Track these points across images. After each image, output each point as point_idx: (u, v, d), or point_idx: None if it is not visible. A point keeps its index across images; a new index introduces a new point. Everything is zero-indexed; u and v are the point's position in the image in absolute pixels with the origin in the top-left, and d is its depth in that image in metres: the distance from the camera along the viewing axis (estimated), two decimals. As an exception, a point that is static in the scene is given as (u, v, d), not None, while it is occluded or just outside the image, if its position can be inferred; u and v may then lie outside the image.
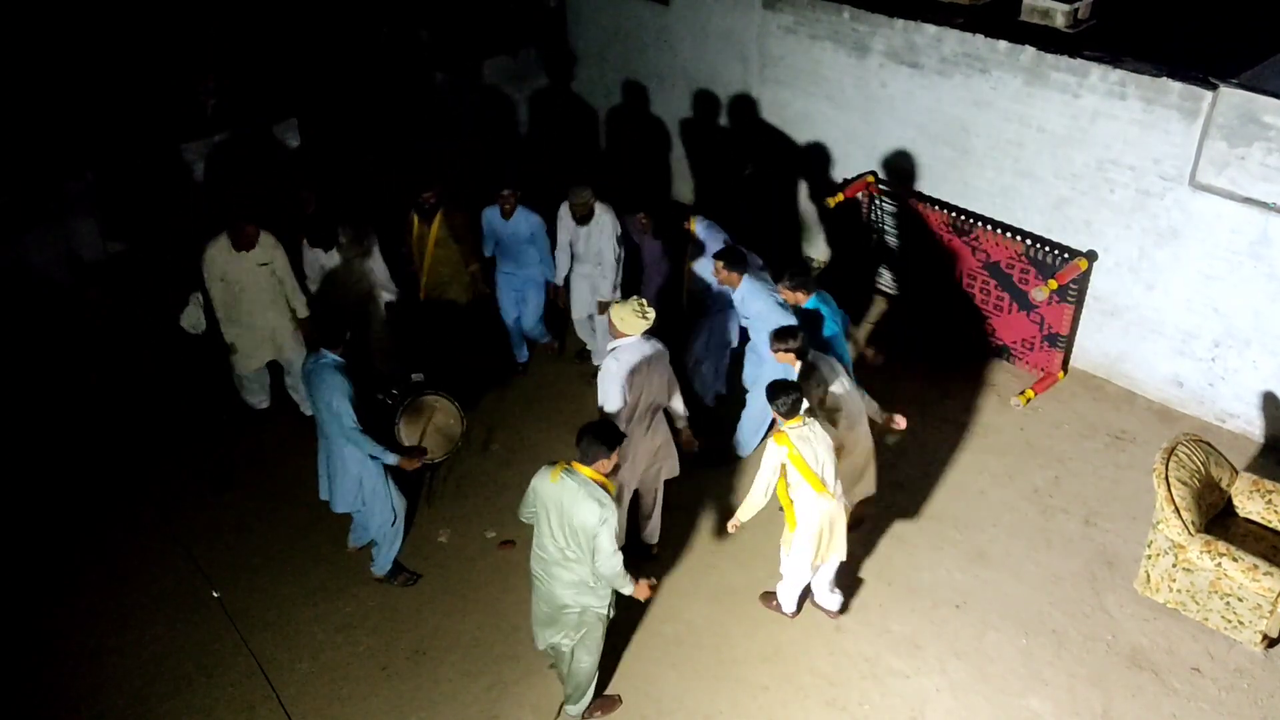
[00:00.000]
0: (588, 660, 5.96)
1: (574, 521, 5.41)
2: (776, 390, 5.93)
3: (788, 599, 6.68)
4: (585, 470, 5.43)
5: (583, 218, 8.09)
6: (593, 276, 8.35)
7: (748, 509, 6.19)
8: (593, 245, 8.19)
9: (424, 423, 7.00)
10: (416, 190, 8.18)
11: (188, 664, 6.60)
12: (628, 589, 5.63)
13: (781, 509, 6.29)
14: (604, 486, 5.44)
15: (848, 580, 6.97)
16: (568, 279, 8.50)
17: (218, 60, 9.72)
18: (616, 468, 5.71)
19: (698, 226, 7.94)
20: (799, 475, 5.98)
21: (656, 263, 8.27)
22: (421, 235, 8.31)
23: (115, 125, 9.10)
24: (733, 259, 7.23)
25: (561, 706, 6.21)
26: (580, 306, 8.62)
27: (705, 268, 7.71)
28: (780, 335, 6.52)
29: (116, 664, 6.60)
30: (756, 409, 7.63)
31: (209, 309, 7.73)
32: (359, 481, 6.70)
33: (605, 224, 8.12)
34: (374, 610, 6.92)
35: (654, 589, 5.86)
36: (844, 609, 6.76)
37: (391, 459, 6.60)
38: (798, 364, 6.52)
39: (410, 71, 10.56)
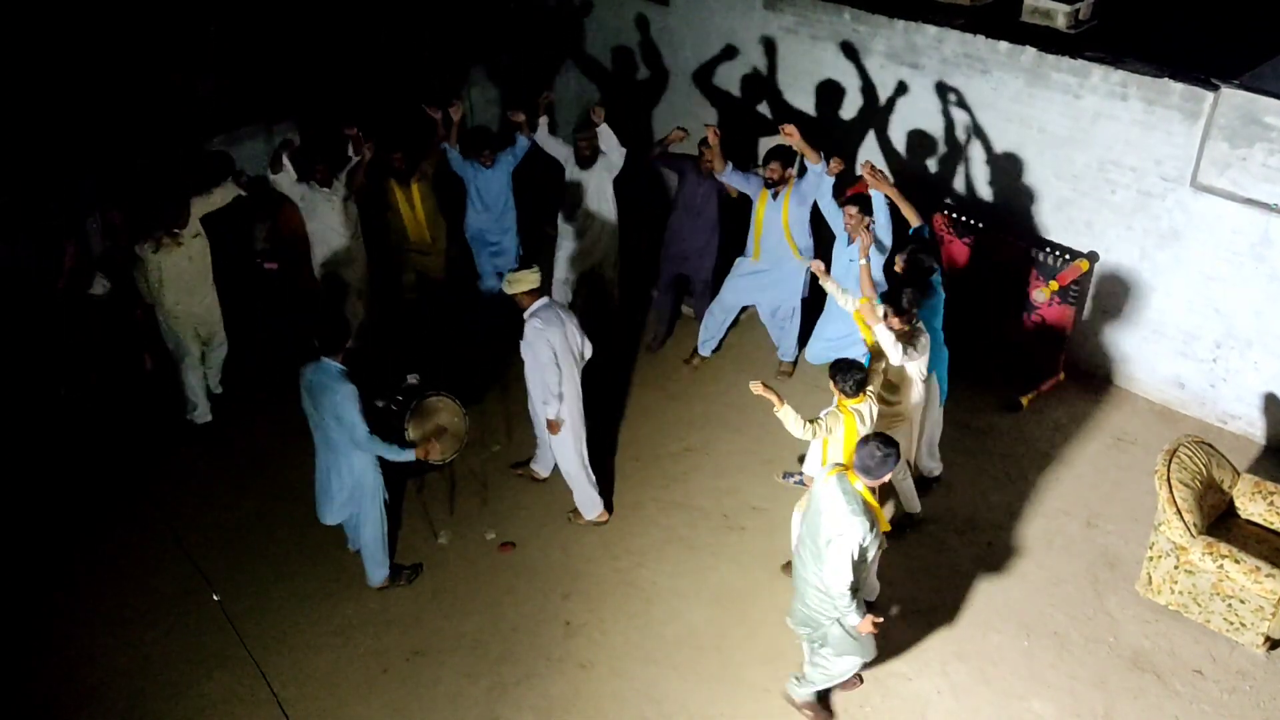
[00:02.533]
0: (821, 666, 5.88)
1: (819, 523, 5.33)
2: (844, 370, 5.91)
3: None
4: (854, 479, 5.27)
5: (588, 159, 8.18)
6: (590, 230, 8.49)
7: (790, 419, 5.91)
8: (597, 189, 8.32)
9: (432, 425, 6.95)
10: (385, 155, 8.35)
11: (186, 666, 6.58)
12: (851, 617, 5.44)
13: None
14: (868, 505, 5.23)
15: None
16: (558, 236, 8.72)
17: (218, 60, 9.70)
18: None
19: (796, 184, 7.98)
20: (839, 450, 6.02)
21: (693, 218, 8.45)
22: (406, 200, 8.56)
23: (115, 125, 9.08)
24: (866, 204, 7.29)
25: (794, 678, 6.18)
26: (568, 268, 8.79)
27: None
28: (897, 302, 6.33)
29: (115, 665, 6.59)
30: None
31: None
32: (357, 487, 6.62)
33: (613, 163, 8.32)
34: (373, 612, 6.91)
35: (877, 627, 5.57)
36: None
37: (409, 455, 6.54)
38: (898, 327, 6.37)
39: (410, 72, 10.53)
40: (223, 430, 8.29)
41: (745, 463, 7.85)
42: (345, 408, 6.22)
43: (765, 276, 8.25)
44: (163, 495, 7.76)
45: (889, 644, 6.55)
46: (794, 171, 7.97)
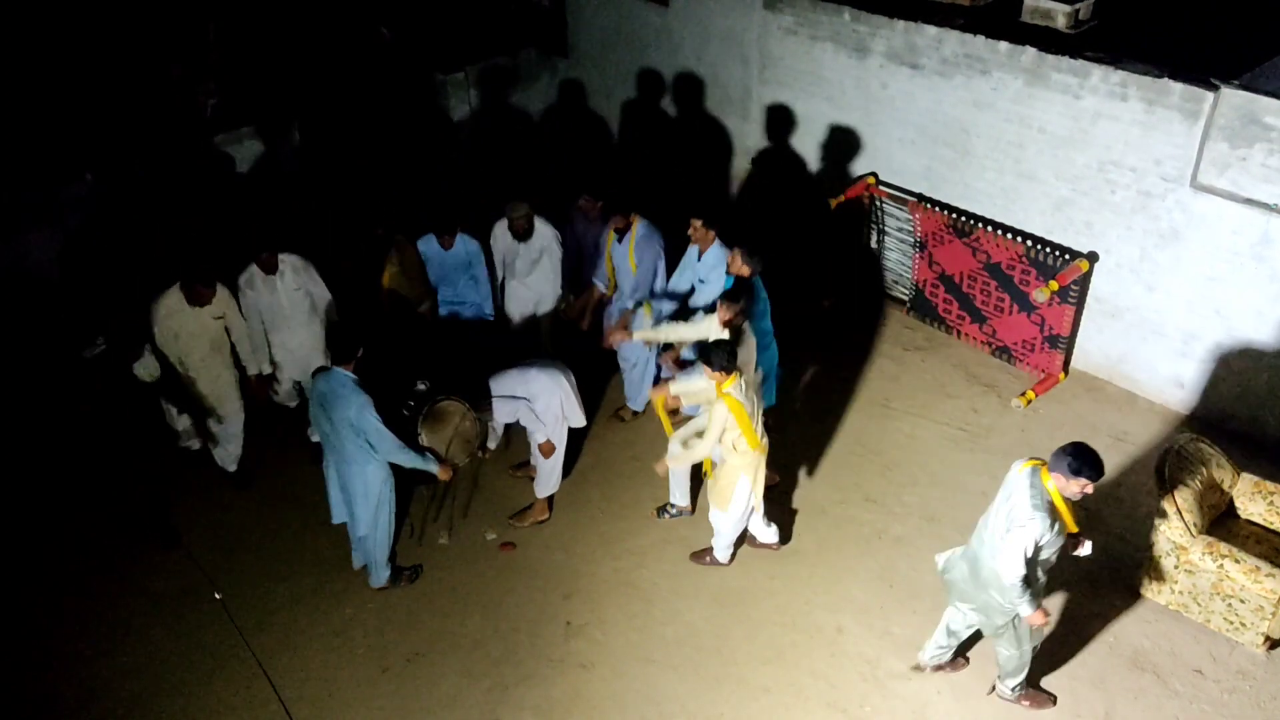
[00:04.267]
0: (1008, 651, 5.90)
1: (1012, 512, 5.36)
2: (713, 348, 6.21)
3: (724, 551, 7.06)
4: (1046, 478, 5.31)
5: (523, 233, 8.04)
6: (532, 286, 8.31)
7: (687, 458, 6.55)
8: (532, 261, 8.18)
9: (445, 429, 6.94)
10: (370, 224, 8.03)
11: (188, 665, 6.59)
12: (1024, 607, 5.46)
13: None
14: (1053, 503, 5.28)
15: (846, 580, 6.98)
16: (503, 290, 8.42)
17: (218, 62, 9.70)
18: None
19: (639, 227, 7.79)
20: (739, 430, 6.30)
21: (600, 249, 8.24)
22: (396, 263, 8.07)
23: (116, 127, 9.06)
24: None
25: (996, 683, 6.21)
26: (518, 308, 8.52)
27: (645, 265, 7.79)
28: (733, 297, 6.69)
29: (117, 665, 6.59)
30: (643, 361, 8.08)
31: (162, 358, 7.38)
32: (378, 502, 6.66)
33: (545, 236, 8.11)
34: (374, 612, 6.91)
35: (1046, 618, 5.69)
36: (785, 540, 7.25)
37: (434, 467, 6.59)
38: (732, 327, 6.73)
39: (406, 74, 10.53)
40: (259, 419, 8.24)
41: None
42: (363, 418, 6.22)
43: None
44: (163, 496, 7.76)
45: (890, 644, 6.58)
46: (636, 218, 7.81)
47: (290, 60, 10.01)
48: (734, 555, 7.14)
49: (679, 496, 7.45)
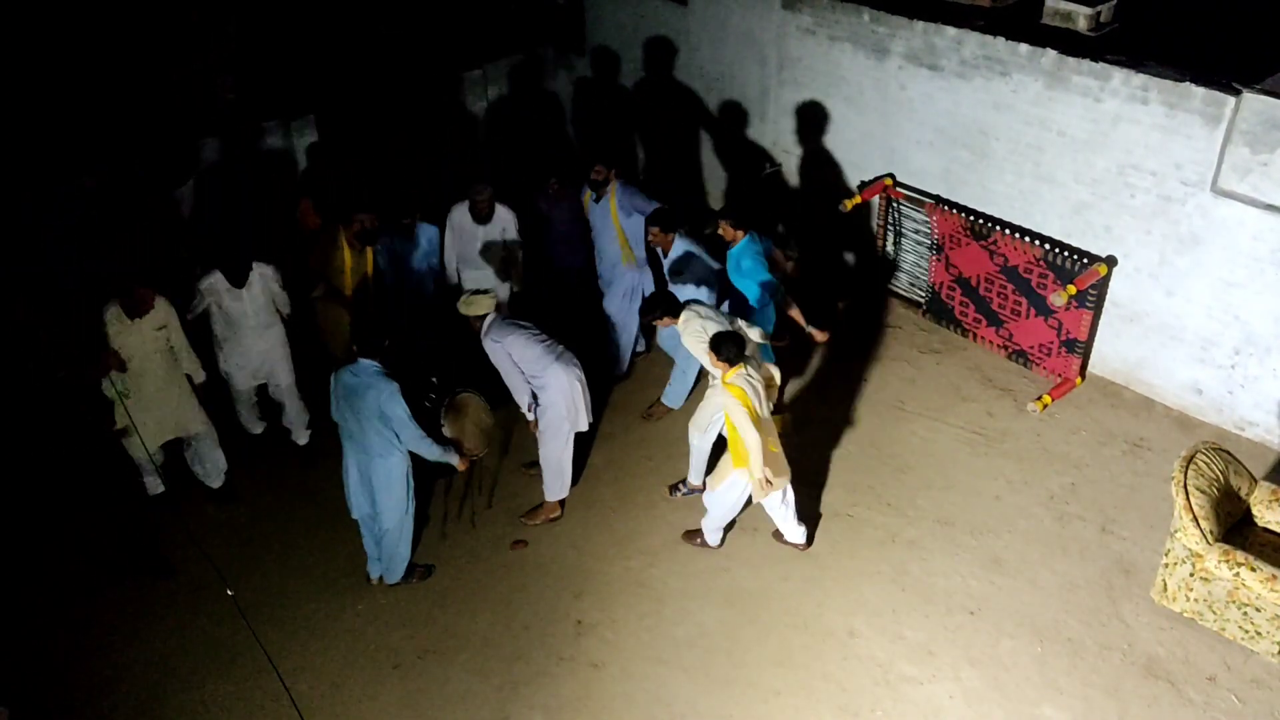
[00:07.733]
0: None
1: None
2: (720, 341, 6.28)
3: (714, 534, 7.17)
4: None
5: (484, 216, 8.15)
6: (485, 275, 8.39)
7: (756, 461, 6.34)
8: (493, 246, 8.27)
9: (464, 422, 6.96)
10: (349, 211, 7.75)
11: (200, 659, 6.63)
12: None
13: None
14: None
15: (859, 583, 6.96)
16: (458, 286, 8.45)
17: (237, 57, 9.71)
18: None
19: (619, 190, 8.13)
20: (747, 420, 6.26)
21: (567, 230, 8.48)
22: (356, 266, 7.82)
23: (129, 123, 9.02)
24: (669, 221, 7.71)
25: None
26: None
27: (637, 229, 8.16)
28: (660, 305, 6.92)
29: (130, 658, 6.63)
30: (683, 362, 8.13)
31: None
32: (401, 494, 6.67)
33: (507, 221, 8.27)
34: (385, 608, 6.92)
35: None
36: (810, 541, 7.20)
37: (454, 459, 6.63)
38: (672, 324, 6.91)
39: (420, 71, 10.52)
40: (235, 425, 8.29)
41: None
42: (392, 404, 6.25)
43: (611, 286, 8.49)
44: (174, 490, 7.79)
45: (902, 647, 6.56)
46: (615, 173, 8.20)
47: (309, 55, 10.01)
48: (723, 539, 7.20)
49: (694, 476, 7.52)
